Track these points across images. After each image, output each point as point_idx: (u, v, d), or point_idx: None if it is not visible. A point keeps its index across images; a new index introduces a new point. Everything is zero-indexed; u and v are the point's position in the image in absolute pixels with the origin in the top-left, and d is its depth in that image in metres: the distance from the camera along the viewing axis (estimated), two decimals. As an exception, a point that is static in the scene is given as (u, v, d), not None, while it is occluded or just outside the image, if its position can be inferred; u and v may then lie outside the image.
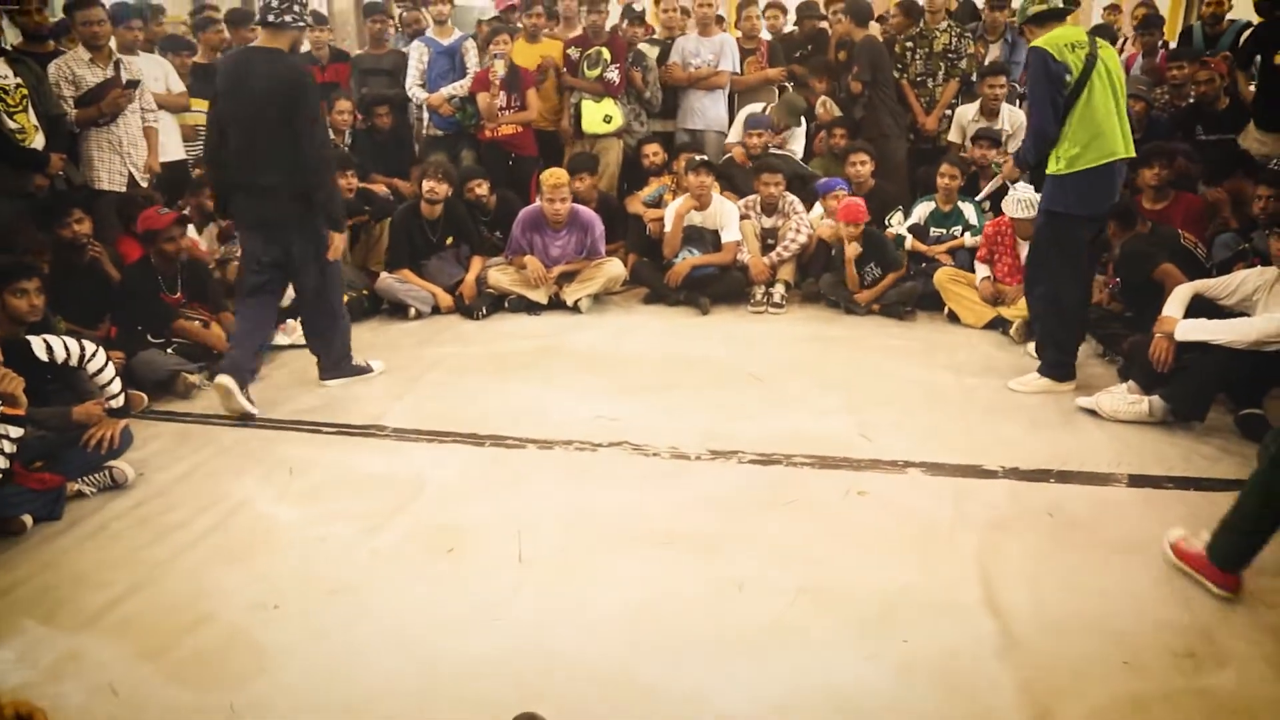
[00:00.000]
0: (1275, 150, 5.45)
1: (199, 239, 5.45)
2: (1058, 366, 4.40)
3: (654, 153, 6.63)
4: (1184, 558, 2.87)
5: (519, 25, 7.18)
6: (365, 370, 4.75)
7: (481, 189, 6.24)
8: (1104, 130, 4.05)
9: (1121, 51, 7.25)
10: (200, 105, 6.58)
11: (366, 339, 5.41)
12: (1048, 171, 4.17)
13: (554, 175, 5.84)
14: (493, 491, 3.53)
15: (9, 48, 5.29)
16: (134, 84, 5.23)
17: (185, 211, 5.06)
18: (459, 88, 6.72)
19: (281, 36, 4.21)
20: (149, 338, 4.65)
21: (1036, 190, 4.61)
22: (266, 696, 2.42)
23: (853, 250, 5.63)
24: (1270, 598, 2.75)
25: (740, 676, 2.45)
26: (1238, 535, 2.74)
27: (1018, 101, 6.75)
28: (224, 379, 4.16)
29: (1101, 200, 4.16)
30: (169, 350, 4.65)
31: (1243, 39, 6.07)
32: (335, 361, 4.65)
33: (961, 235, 5.88)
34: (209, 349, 4.75)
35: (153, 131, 5.54)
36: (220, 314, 4.92)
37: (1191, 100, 6.13)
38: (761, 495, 3.45)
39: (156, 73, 5.90)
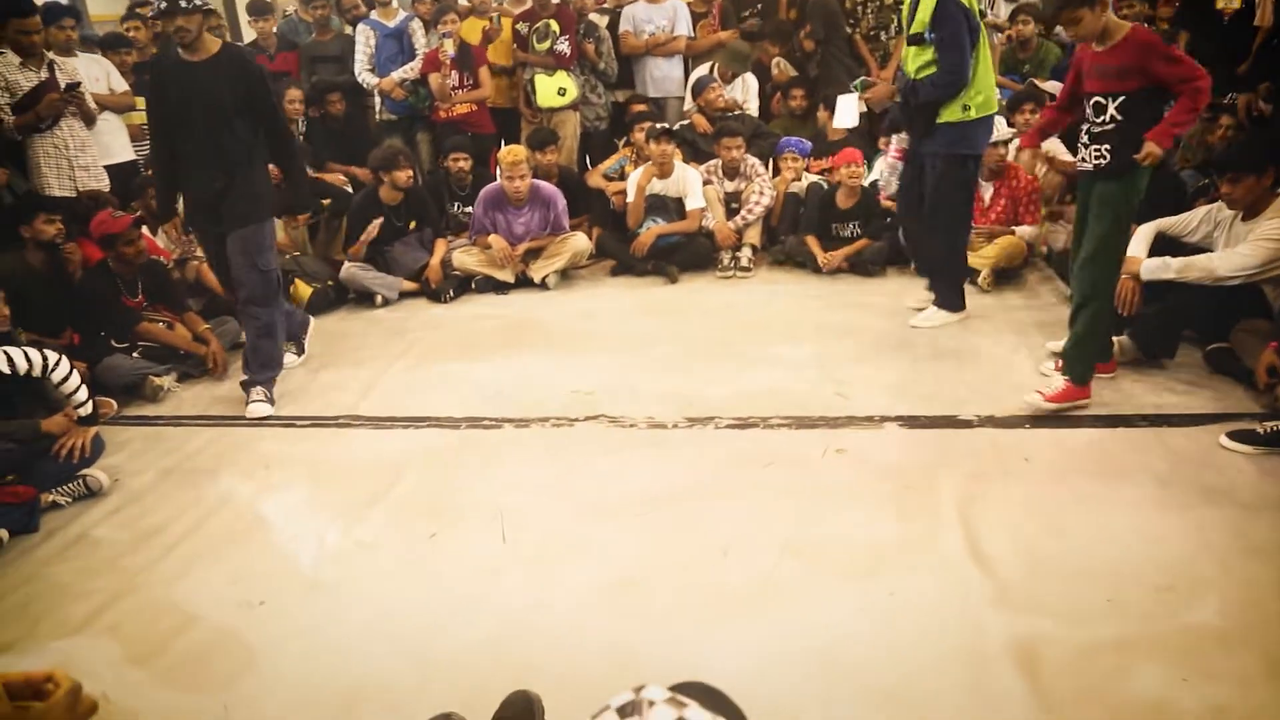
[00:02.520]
0: None
1: (156, 238, 5.36)
2: (953, 298, 4.68)
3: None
4: (1058, 398, 3.59)
5: (466, 2, 7.09)
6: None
7: (465, 163, 6.22)
8: (990, 79, 4.37)
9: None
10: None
11: (334, 329, 5.37)
12: (952, 119, 4.29)
13: (512, 153, 5.79)
14: (471, 473, 3.52)
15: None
16: (74, 86, 5.09)
17: (139, 214, 4.96)
18: (409, 70, 6.63)
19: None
20: (113, 343, 4.58)
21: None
22: (258, 695, 2.41)
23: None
24: (1242, 525, 2.81)
25: (730, 639, 2.47)
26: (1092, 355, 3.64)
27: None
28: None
29: (987, 141, 4.56)
30: (134, 354, 4.58)
31: None
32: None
33: (924, 188, 5.88)
34: (175, 350, 4.68)
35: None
36: (184, 314, 4.84)
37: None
38: (741, 459, 3.46)
39: (96, 72, 5.75)
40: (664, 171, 5.94)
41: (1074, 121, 3.81)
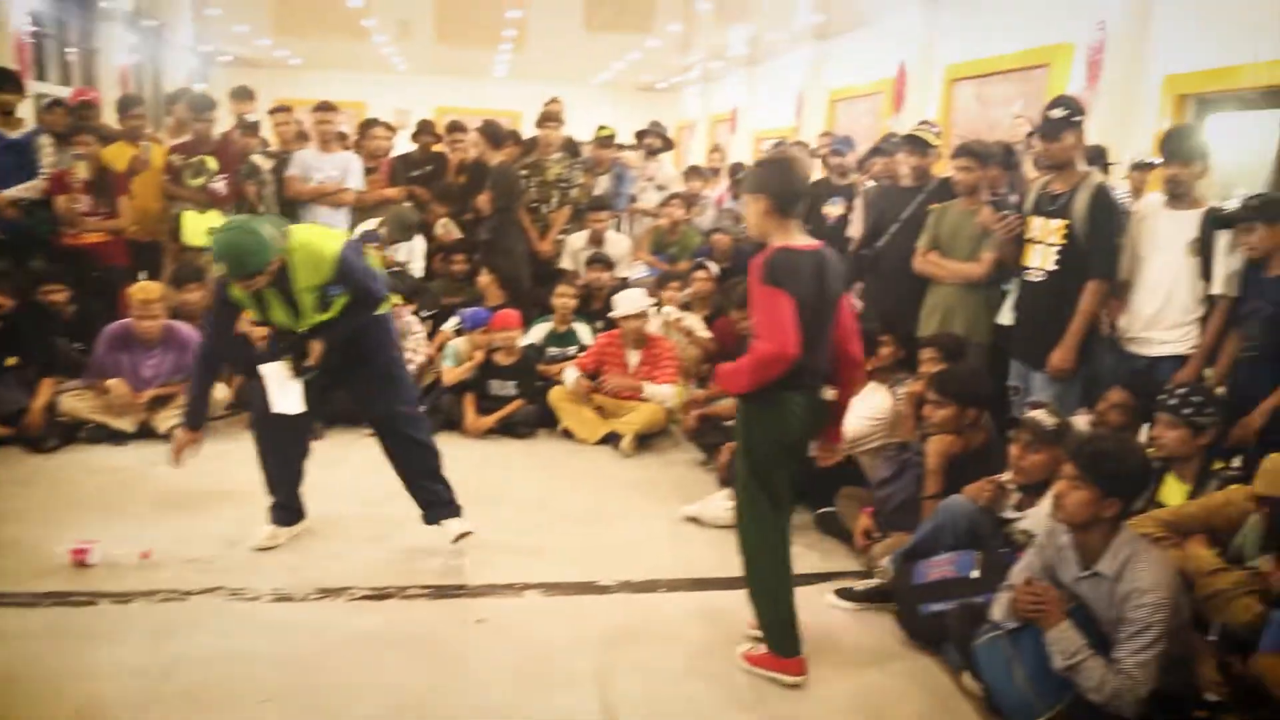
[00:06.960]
0: None
1: None
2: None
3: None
4: (756, 662, 3.10)
5: (112, 125, 6.61)
6: None
7: (59, 295, 5.55)
8: None
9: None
10: None
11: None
12: None
13: (144, 290, 5.34)
14: (49, 668, 2.97)
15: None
16: None
17: None
18: (29, 189, 5.98)
19: None
20: None
21: None
22: None
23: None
24: (850, 675, 3.05)
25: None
26: (775, 619, 3.04)
27: (619, 227, 7.39)
28: None
29: None
30: None
31: None
32: None
33: (575, 355, 6.12)
34: None
35: None
36: None
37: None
38: (376, 634, 3.26)
39: None
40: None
41: None
